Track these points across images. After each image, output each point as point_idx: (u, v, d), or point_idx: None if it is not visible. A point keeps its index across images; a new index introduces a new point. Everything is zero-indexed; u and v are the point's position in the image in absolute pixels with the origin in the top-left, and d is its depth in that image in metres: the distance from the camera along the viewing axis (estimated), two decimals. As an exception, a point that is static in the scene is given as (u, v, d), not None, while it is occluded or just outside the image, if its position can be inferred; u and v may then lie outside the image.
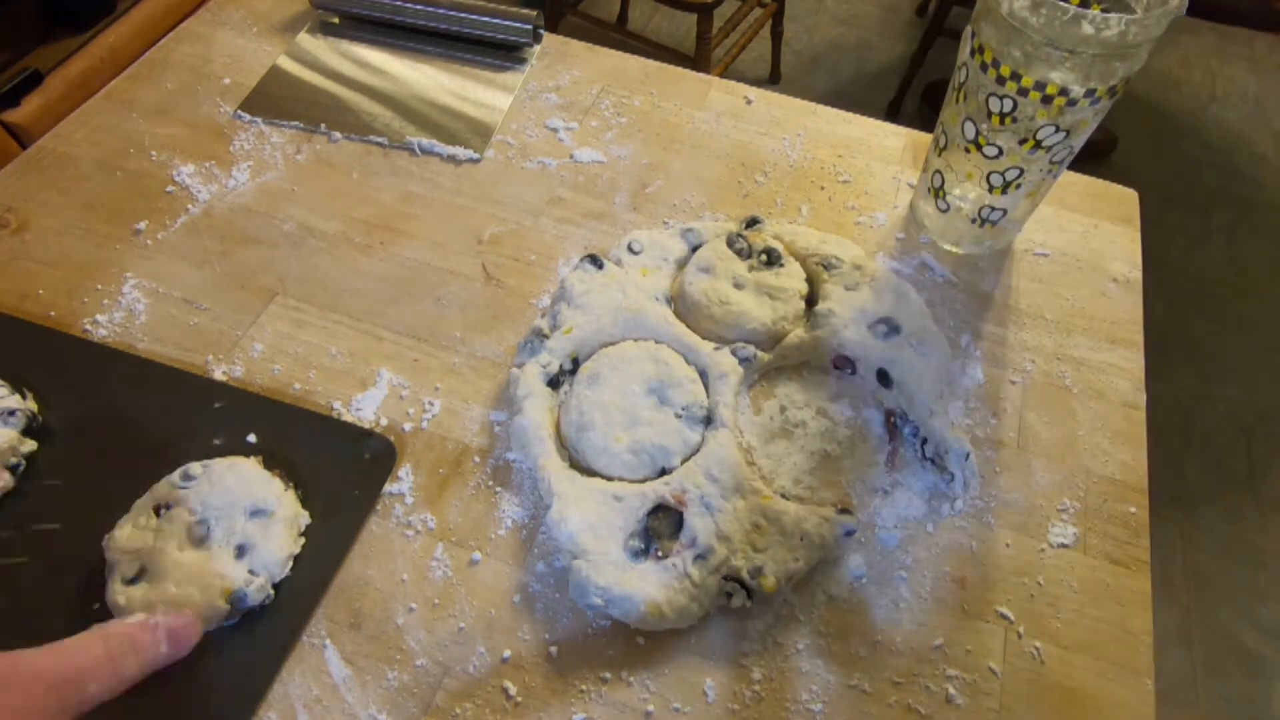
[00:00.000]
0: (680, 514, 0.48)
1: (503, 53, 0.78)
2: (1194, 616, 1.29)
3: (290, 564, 0.46)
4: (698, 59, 1.65)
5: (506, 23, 0.76)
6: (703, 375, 0.55)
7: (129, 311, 0.58)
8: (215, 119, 0.70)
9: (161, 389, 0.53)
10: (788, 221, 0.65)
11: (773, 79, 2.09)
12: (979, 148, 0.56)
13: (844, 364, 0.57)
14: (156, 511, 0.46)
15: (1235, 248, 1.82)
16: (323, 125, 0.70)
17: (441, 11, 0.76)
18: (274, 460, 0.50)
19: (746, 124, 0.74)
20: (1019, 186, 0.57)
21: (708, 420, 0.53)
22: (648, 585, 0.45)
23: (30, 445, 0.50)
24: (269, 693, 0.43)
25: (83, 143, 0.68)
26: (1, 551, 0.47)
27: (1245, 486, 1.45)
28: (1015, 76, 0.50)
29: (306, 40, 0.78)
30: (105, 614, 0.44)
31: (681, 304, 0.59)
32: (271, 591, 0.45)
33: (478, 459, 0.53)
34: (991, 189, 0.58)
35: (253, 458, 0.49)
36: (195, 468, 0.48)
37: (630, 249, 0.61)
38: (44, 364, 0.54)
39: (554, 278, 0.62)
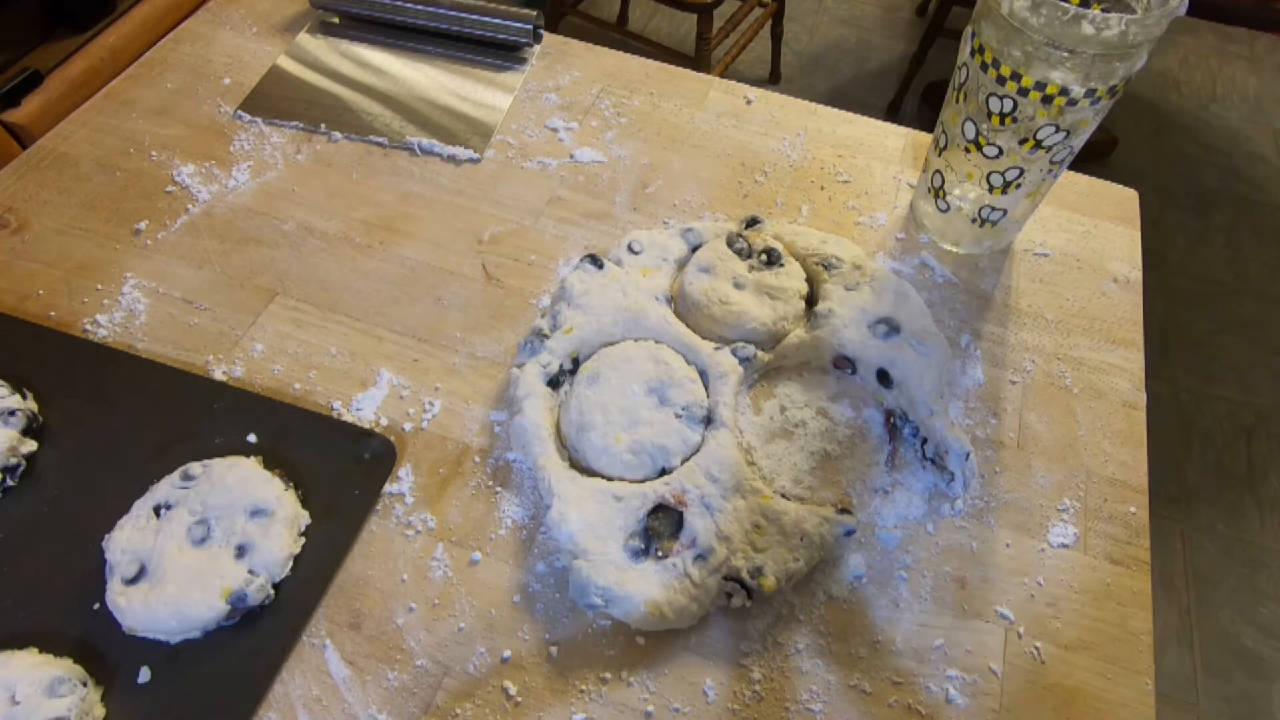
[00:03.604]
0: (680, 514, 0.48)
1: (503, 53, 0.78)
2: (1194, 616, 1.29)
3: (290, 564, 0.46)
4: (698, 59, 1.65)
5: (506, 23, 0.76)
6: (703, 375, 0.55)
7: (129, 311, 0.58)
8: (215, 119, 0.70)
9: (161, 389, 0.53)
10: (788, 221, 0.65)
11: (773, 79, 2.09)
12: (979, 148, 0.56)
13: (844, 364, 0.57)
14: (156, 511, 0.46)
15: (1235, 248, 1.82)
16: (323, 125, 0.70)
17: (441, 11, 0.76)
18: (274, 460, 0.50)
19: (746, 124, 0.74)
20: (1019, 186, 0.57)
21: (708, 420, 0.53)
22: (648, 585, 0.45)
23: (30, 445, 0.50)
24: (269, 693, 0.43)
25: (83, 143, 0.68)
26: (2, 551, 0.47)
27: (1245, 486, 1.45)
28: (1015, 76, 0.50)
29: (306, 40, 0.78)
30: (105, 614, 0.44)
31: (681, 304, 0.59)
32: (271, 591, 0.45)
33: (478, 459, 0.53)
34: (991, 189, 0.58)
35: (253, 458, 0.49)
36: (195, 468, 0.48)
37: (630, 249, 0.61)
38: (44, 364, 0.54)
39: (554, 278, 0.62)
